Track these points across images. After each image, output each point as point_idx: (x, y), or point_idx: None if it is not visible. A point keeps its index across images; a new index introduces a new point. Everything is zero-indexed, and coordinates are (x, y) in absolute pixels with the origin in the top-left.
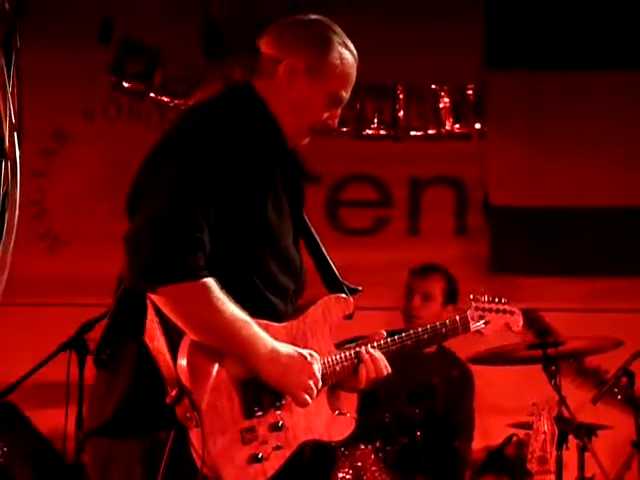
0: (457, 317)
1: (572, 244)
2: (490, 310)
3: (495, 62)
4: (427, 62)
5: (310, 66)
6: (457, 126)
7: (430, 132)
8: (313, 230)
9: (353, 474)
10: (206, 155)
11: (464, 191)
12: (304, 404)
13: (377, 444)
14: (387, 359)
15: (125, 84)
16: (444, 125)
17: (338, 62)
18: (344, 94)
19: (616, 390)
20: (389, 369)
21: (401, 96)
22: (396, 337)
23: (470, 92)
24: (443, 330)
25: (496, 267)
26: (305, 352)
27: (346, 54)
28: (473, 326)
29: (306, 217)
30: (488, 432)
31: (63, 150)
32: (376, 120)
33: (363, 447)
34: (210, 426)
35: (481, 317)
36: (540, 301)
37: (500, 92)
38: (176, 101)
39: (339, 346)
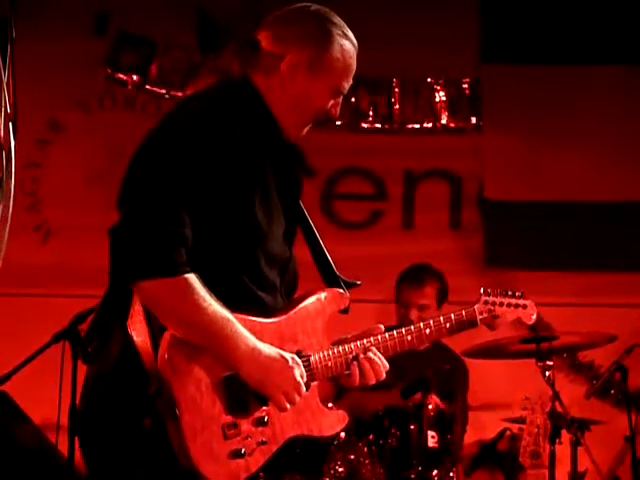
0: (463, 311)
1: (567, 238)
2: (501, 304)
3: (491, 56)
4: (423, 56)
5: (312, 61)
6: (453, 120)
7: (426, 126)
8: (312, 224)
9: (346, 468)
10: (190, 150)
11: (459, 185)
12: (282, 408)
13: (370, 437)
14: (385, 354)
15: (121, 75)
16: (440, 119)
17: (339, 55)
18: (346, 85)
19: (609, 385)
20: (387, 367)
21: (397, 90)
22: (395, 332)
23: (466, 86)
24: (447, 325)
25: (490, 261)
26: (288, 355)
27: (346, 45)
28: (480, 320)
29: (306, 211)
30: (481, 426)
31: (58, 140)
32: (372, 113)
33: (356, 440)
34: (190, 421)
35: (490, 311)
36: (534, 295)
37: (496, 86)
38: (172, 92)
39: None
